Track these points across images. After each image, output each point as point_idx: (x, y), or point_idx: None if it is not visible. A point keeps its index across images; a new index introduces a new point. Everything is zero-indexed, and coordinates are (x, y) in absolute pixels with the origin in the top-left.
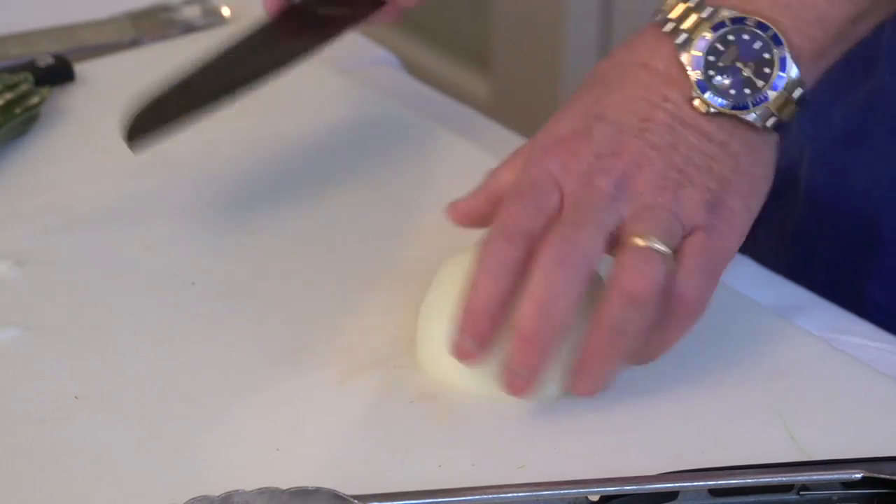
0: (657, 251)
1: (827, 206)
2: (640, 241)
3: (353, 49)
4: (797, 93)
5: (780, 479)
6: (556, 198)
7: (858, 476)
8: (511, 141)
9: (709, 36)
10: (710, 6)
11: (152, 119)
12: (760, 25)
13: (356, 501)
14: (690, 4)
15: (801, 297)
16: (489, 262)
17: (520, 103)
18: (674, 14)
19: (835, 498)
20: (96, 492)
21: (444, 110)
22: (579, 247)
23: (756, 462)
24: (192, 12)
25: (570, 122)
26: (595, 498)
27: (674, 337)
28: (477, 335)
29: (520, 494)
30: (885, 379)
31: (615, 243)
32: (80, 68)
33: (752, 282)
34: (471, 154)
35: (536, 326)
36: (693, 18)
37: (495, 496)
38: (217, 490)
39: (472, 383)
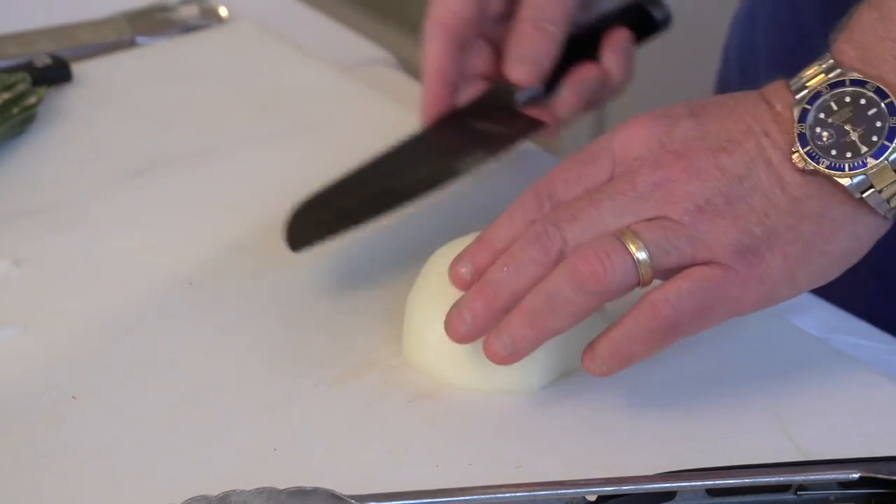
0: (633, 254)
1: None
2: (626, 238)
3: (350, 48)
4: None
5: (777, 478)
6: (605, 173)
7: (856, 476)
8: None
9: (825, 94)
10: (840, 68)
11: (310, 224)
12: (879, 91)
13: (354, 501)
14: (823, 66)
15: (799, 296)
16: (515, 211)
17: None
18: (807, 73)
19: (832, 498)
20: (93, 491)
21: None
22: (558, 237)
23: (753, 462)
24: (189, 12)
25: (673, 107)
26: (592, 498)
27: (632, 344)
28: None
29: (517, 494)
30: (883, 379)
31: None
32: (77, 68)
33: None
34: None
35: (494, 279)
36: (819, 77)
37: (493, 496)
38: (215, 490)
39: (455, 374)
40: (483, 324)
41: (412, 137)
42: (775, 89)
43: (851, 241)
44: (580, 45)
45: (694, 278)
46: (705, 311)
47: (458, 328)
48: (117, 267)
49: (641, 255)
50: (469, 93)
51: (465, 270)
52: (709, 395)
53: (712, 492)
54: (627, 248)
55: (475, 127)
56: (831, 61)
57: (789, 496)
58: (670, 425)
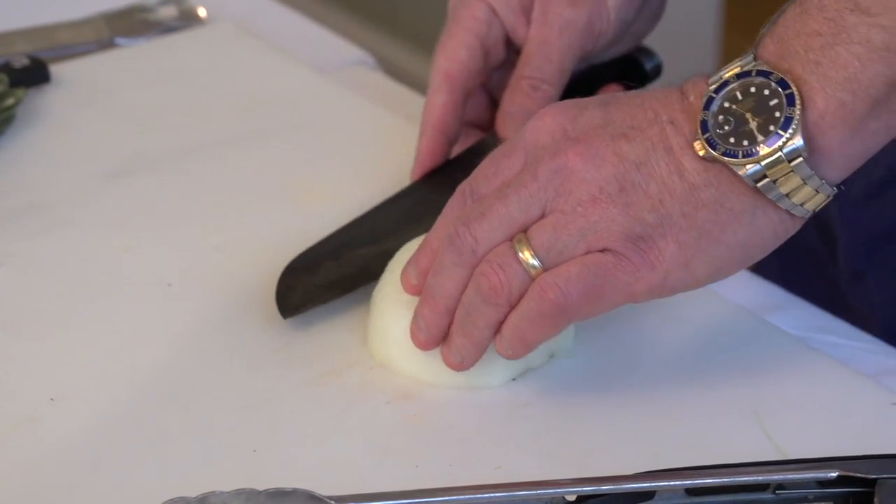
0: (524, 261)
1: None
2: (520, 245)
3: (329, 49)
4: (797, 161)
5: (756, 478)
6: (519, 164)
7: (834, 475)
8: None
9: (732, 83)
10: (756, 59)
11: (301, 290)
12: (781, 82)
13: (333, 502)
14: (743, 60)
15: (777, 295)
16: (446, 211)
17: None
18: (727, 67)
19: (810, 497)
20: (72, 493)
21: (420, 110)
22: (469, 237)
23: (732, 461)
24: (168, 13)
25: (587, 98)
26: (572, 498)
27: (527, 327)
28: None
29: (497, 495)
30: (861, 378)
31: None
32: (55, 69)
33: (726, 281)
34: None
35: (429, 285)
36: (734, 68)
37: (472, 496)
38: (194, 491)
39: (417, 369)
40: (436, 329)
41: (403, 192)
42: (694, 82)
43: (750, 232)
44: (573, 96)
45: (584, 263)
46: (594, 296)
47: (418, 336)
48: (97, 268)
49: (534, 263)
50: (462, 142)
51: (412, 276)
52: (687, 394)
53: (691, 491)
54: (519, 259)
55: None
56: (751, 55)
57: (768, 495)
58: (649, 425)
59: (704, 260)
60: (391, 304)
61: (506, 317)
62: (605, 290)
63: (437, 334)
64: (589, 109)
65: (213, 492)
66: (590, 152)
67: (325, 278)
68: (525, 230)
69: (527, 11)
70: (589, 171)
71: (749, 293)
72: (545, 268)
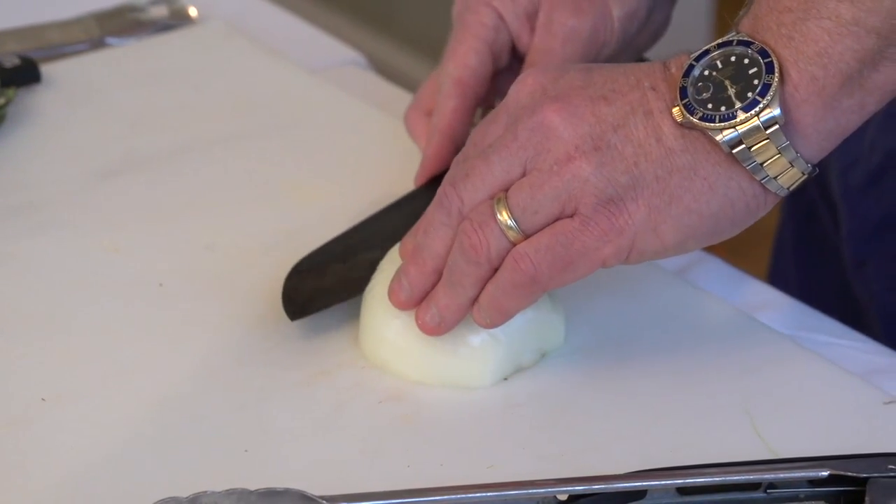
0: (501, 222)
1: None
2: (498, 206)
3: (320, 49)
4: (772, 128)
5: (747, 477)
6: (503, 127)
7: (825, 474)
8: None
9: (713, 52)
10: (736, 31)
11: (308, 293)
12: (762, 52)
13: (324, 502)
14: (725, 36)
15: (766, 294)
16: (445, 179)
17: None
18: (710, 43)
19: (802, 496)
20: (64, 493)
21: None
22: (455, 197)
23: (724, 460)
24: (159, 13)
25: (571, 64)
26: (563, 497)
27: (503, 297)
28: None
29: (488, 494)
30: (852, 377)
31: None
32: (46, 69)
33: (717, 279)
34: None
35: (418, 244)
36: (717, 40)
37: (464, 496)
38: (185, 491)
39: (409, 370)
40: (419, 288)
41: (408, 197)
42: (677, 56)
43: (722, 203)
44: None
45: (554, 232)
46: (564, 266)
47: (399, 295)
48: (88, 268)
49: (510, 223)
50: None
51: (410, 244)
52: (678, 393)
53: (683, 490)
54: (496, 217)
55: None
56: (733, 31)
57: (759, 494)
58: (640, 425)
59: (673, 226)
60: (383, 305)
61: (488, 279)
62: (574, 258)
63: (418, 295)
64: (571, 72)
65: (205, 492)
66: (567, 110)
67: (332, 281)
68: (507, 189)
69: (531, 18)
70: (567, 128)
71: (738, 291)
72: (521, 228)
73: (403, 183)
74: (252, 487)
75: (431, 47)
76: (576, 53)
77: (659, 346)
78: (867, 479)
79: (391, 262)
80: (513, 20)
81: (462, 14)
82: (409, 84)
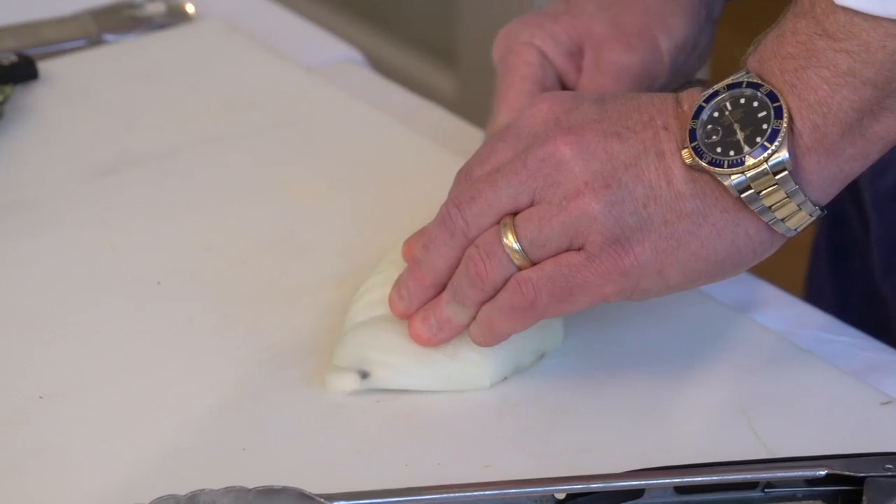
0: (507, 246)
1: None
2: (505, 229)
3: (317, 46)
4: (781, 174)
5: (744, 476)
6: (511, 150)
7: (822, 473)
8: (477, 138)
9: (722, 93)
10: (748, 70)
11: None
12: (771, 95)
13: (322, 500)
14: (737, 75)
15: (760, 291)
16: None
17: (486, 99)
18: (722, 80)
19: (799, 495)
20: (62, 491)
21: (409, 107)
22: (459, 219)
23: (721, 459)
24: (156, 10)
25: (586, 93)
26: (561, 496)
27: (498, 317)
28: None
29: (486, 493)
30: (849, 377)
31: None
32: (43, 66)
33: None
34: (436, 152)
35: (418, 258)
36: (727, 79)
37: (461, 495)
38: (183, 489)
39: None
40: (417, 300)
41: None
42: (689, 92)
43: (730, 248)
44: None
45: (559, 264)
46: (564, 297)
47: (398, 305)
48: (84, 266)
49: (516, 247)
50: None
51: (414, 244)
52: (676, 393)
53: (680, 489)
54: (503, 247)
55: None
56: (744, 70)
57: (756, 493)
58: (638, 424)
59: (679, 270)
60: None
61: (484, 301)
62: (575, 292)
63: (416, 307)
64: (585, 103)
65: (203, 490)
66: (580, 145)
67: None
68: (515, 213)
69: (574, 57)
70: (578, 163)
71: (732, 289)
72: (528, 256)
73: (401, 180)
74: (250, 485)
75: (429, 44)
76: (628, 90)
77: (656, 347)
78: (864, 478)
79: (390, 263)
80: (556, 56)
81: (504, 58)
82: (406, 81)
